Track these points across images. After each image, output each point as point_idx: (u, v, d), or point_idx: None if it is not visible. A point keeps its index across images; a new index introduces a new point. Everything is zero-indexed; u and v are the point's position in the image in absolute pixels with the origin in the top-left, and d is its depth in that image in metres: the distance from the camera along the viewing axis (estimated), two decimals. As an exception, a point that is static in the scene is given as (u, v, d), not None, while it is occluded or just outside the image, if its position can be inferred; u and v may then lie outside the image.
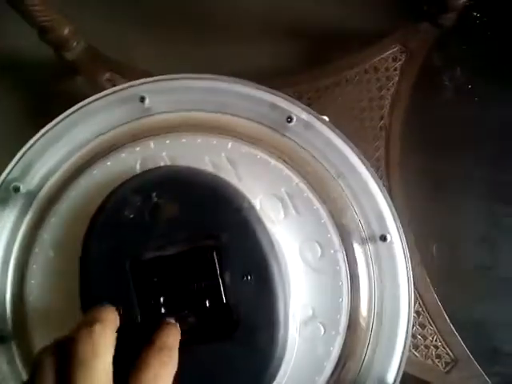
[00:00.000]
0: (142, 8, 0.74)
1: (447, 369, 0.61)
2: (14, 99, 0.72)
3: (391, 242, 0.33)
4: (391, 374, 0.32)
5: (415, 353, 0.61)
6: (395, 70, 0.69)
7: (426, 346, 0.61)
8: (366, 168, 0.34)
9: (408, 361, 0.59)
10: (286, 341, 0.30)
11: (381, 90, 0.68)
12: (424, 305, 0.62)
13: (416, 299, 0.61)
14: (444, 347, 0.61)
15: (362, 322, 0.32)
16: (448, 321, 0.60)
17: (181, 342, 0.30)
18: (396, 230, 0.33)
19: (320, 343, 0.32)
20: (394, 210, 0.33)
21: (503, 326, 0.62)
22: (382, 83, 0.69)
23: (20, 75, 0.74)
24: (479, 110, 0.64)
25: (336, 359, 0.32)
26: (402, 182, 0.61)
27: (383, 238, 0.33)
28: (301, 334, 0.32)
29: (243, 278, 0.30)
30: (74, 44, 0.68)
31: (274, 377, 0.30)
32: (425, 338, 0.61)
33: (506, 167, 0.62)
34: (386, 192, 0.33)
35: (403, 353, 0.33)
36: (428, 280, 0.61)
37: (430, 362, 0.61)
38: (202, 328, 0.30)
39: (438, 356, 0.61)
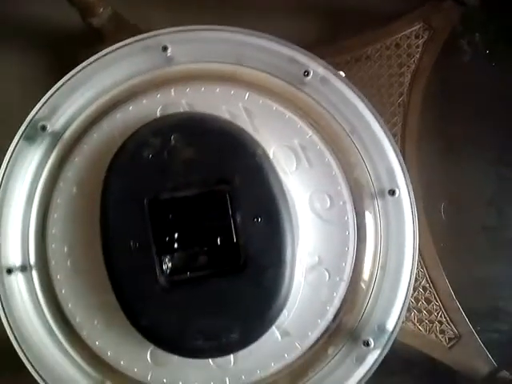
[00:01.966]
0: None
1: (450, 344, 0.61)
2: (43, 65, 0.74)
3: (399, 196, 0.34)
4: (391, 322, 0.33)
5: (419, 327, 0.62)
6: (417, 47, 0.69)
7: (431, 321, 0.62)
8: (379, 124, 0.35)
9: (411, 334, 0.60)
10: (291, 280, 0.31)
11: (401, 66, 0.68)
12: (431, 281, 0.62)
13: (424, 275, 0.62)
14: (448, 323, 0.62)
15: (366, 272, 0.34)
16: (454, 297, 0.61)
17: (192, 277, 0.32)
18: (405, 185, 0.34)
19: (324, 288, 0.33)
20: (404, 166, 0.34)
21: (505, 285, 0.63)
22: (403, 60, 0.68)
23: (49, 42, 0.75)
24: (496, 76, 0.63)
25: (339, 304, 0.33)
26: (418, 157, 0.61)
27: (392, 193, 0.34)
28: (306, 279, 0.33)
29: (254, 219, 0.31)
30: (101, 10, 0.69)
31: (278, 313, 0.31)
32: (430, 313, 0.62)
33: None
34: (397, 148, 0.34)
35: (404, 303, 0.34)
36: (437, 257, 0.61)
37: (433, 336, 0.62)
38: (213, 264, 0.32)
39: (442, 331, 0.61)
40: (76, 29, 0.73)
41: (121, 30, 0.69)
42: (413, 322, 0.61)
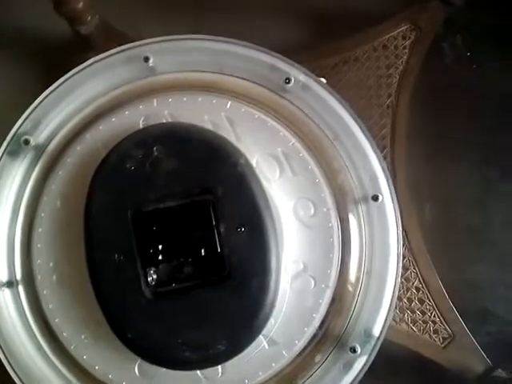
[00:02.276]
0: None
1: (444, 344, 0.62)
2: (30, 72, 0.74)
3: (383, 202, 0.34)
4: (377, 328, 0.34)
5: (413, 327, 0.62)
6: (404, 48, 0.69)
7: (424, 321, 0.62)
8: (362, 130, 0.35)
9: (405, 334, 0.60)
10: (277, 289, 0.31)
11: (389, 68, 0.68)
12: (424, 281, 0.62)
13: (416, 275, 0.62)
14: (442, 323, 0.62)
15: (352, 278, 0.34)
16: (447, 297, 0.61)
17: (178, 288, 0.32)
18: (388, 190, 0.34)
19: (310, 295, 0.33)
20: (387, 171, 0.34)
21: (492, 287, 0.63)
22: (391, 61, 0.68)
23: (36, 50, 0.75)
24: (478, 77, 0.64)
25: (325, 311, 0.33)
26: (407, 158, 0.61)
27: (375, 198, 0.34)
28: (291, 286, 0.33)
29: (237, 229, 0.31)
30: (89, 18, 0.69)
31: (264, 322, 0.31)
32: (423, 313, 0.62)
33: (502, 134, 0.63)
34: (380, 154, 0.34)
35: (389, 309, 0.34)
36: (428, 257, 0.61)
37: (427, 336, 0.62)
38: (198, 275, 0.32)
39: (436, 331, 0.62)
40: (65, 38, 0.73)
41: (109, 37, 0.69)
42: (406, 323, 0.61)
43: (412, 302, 0.61)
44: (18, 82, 0.73)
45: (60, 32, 0.72)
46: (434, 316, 0.62)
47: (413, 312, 0.62)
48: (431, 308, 0.62)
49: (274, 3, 0.73)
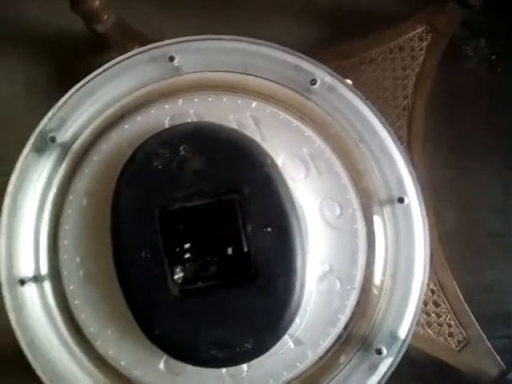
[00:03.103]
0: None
1: (459, 347, 0.61)
2: (45, 70, 0.75)
3: (409, 204, 0.34)
4: (403, 330, 0.33)
5: (428, 330, 0.62)
6: (421, 49, 0.69)
7: (439, 324, 0.62)
8: (388, 132, 0.35)
9: (420, 337, 0.60)
10: (302, 289, 0.31)
11: (405, 69, 0.68)
12: (439, 284, 0.62)
13: (432, 278, 0.62)
14: (457, 326, 0.62)
15: (377, 279, 0.34)
16: (463, 300, 0.61)
17: (204, 287, 0.32)
18: (414, 192, 0.34)
19: (335, 297, 0.33)
20: (413, 173, 0.34)
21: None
22: (407, 63, 0.68)
23: (52, 48, 0.76)
24: (502, 81, 0.63)
25: (350, 313, 0.33)
26: (424, 160, 0.61)
27: (401, 200, 0.34)
28: (317, 287, 0.33)
29: (264, 229, 0.31)
30: (105, 17, 0.69)
31: (290, 322, 0.31)
32: (438, 316, 0.62)
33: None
34: (406, 155, 0.34)
35: (416, 311, 0.34)
36: (444, 260, 0.61)
37: (442, 339, 0.62)
38: (224, 274, 0.32)
39: (451, 334, 0.61)
40: (81, 36, 0.73)
41: (125, 36, 0.69)
42: (421, 326, 0.61)
43: (427, 304, 0.61)
44: (32, 80, 0.74)
45: (76, 30, 0.73)
46: (450, 319, 0.62)
47: (428, 315, 0.61)
48: (446, 311, 0.62)
49: (290, 4, 0.73)
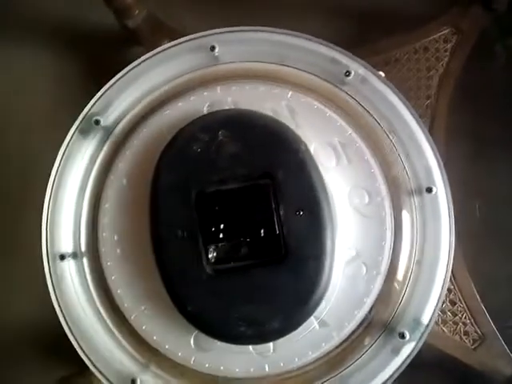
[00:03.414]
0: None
1: (474, 346, 0.62)
2: (73, 63, 0.77)
3: (436, 194, 0.35)
4: (426, 316, 0.34)
5: (443, 328, 0.62)
6: (445, 51, 0.69)
7: (455, 322, 0.62)
8: (417, 123, 0.36)
9: (436, 335, 0.61)
10: (331, 272, 0.32)
11: (429, 70, 0.69)
12: (456, 283, 0.63)
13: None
14: (473, 325, 0.62)
15: (402, 266, 0.35)
16: (479, 299, 0.61)
17: (236, 266, 0.33)
18: (442, 182, 0.35)
19: (361, 281, 0.34)
20: (441, 164, 0.35)
21: None
22: (431, 63, 0.69)
23: (80, 41, 0.78)
24: None
25: (375, 297, 0.34)
26: (446, 158, 0.62)
27: (429, 190, 0.35)
28: (344, 271, 0.34)
29: (296, 212, 0.33)
30: (136, 12, 0.71)
31: (317, 303, 0.32)
32: (454, 314, 0.62)
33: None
34: (435, 147, 0.35)
35: (439, 298, 0.35)
36: (461, 258, 0.62)
37: (457, 337, 0.62)
38: (256, 254, 0.33)
39: (466, 333, 0.62)
40: (112, 30, 0.75)
41: (156, 31, 0.71)
42: (437, 323, 0.61)
43: (443, 303, 0.62)
44: (60, 72, 0.76)
45: (107, 25, 0.74)
46: (465, 318, 0.63)
47: (443, 313, 0.62)
48: (462, 310, 0.63)
49: (315, 2, 0.74)
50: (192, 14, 0.75)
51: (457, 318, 0.62)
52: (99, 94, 0.37)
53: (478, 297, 0.61)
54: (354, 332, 0.34)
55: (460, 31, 0.69)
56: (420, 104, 0.68)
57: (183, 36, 0.71)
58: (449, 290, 0.62)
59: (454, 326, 0.62)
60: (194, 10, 0.76)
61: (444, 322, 0.62)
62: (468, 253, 0.60)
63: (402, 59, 0.69)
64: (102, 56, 0.76)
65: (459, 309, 0.63)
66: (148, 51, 0.68)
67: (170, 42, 0.72)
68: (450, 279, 0.62)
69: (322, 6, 0.74)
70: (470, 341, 0.62)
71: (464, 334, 0.62)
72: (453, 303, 0.63)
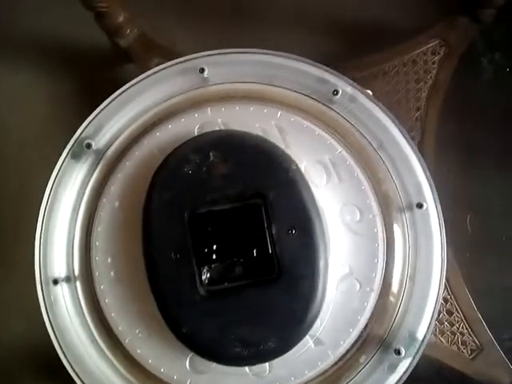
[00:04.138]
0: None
1: (472, 356, 0.62)
2: (72, 85, 0.77)
3: (427, 209, 0.35)
4: (421, 331, 0.35)
5: (441, 338, 0.62)
6: (433, 63, 0.70)
7: (452, 333, 0.62)
8: (406, 139, 0.36)
9: (433, 346, 0.61)
10: (325, 289, 0.32)
11: (418, 82, 0.70)
12: (452, 292, 0.63)
13: (445, 287, 0.63)
14: (470, 334, 0.62)
15: (395, 282, 0.35)
16: (475, 309, 0.61)
17: (230, 287, 0.33)
18: (432, 198, 0.35)
19: (355, 298, 0.34)
20: (431, 179, 0.36)
21: None
22: (420, 76, 0.70)
23: (73, 60, 0.79)
24: None
25: (369, 314, 0.34)
26: (436, 171, 0.62)
27: (419, 206, 0.35)
28: (338, 289, 0.35)
29: (288, 231, 0.33)
30: (128, 31, 0.72)
31: (312, 322, 0.32)
32: (451, 324, 0.63)
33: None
34: (424, 162, 0.36)
35: (433, 313, 0.35)
36: (457, 268, 0.62)
37: (455, 348, 0.62)
38: (249, 274, 0.33)
39: (464, 343, 0.62)
40: (104, 48, 0.76)
41: (147, 49, 0.72)
42: (434, 334, 0.61)
43: (440, 313, 0.62)
44: (54, 90, 0.76)
45: (98, 44, 0.75)
46: (463, 327, 0.63)
47: (441, 323, 0.62)
48: (459, 319, 0.63)
49: (303, 18, 0.75)
50: (182, 29, 0.76)
51: (454, 328, 0.62)
52: (90, 117, 0.37)
53: (474, 306, 0.61)
54: (349, 350, 0.34)
55: (448, 43, 0.70)
56: (410, 116, 0.68)
57: (174, 54, 0.71)
58: (445, 300, 0.63)
59: (452, 337, 0.62)
60: (184, 25, 0.77)
61: (441, 333, 0.62)
62: (462, 263, 0.60)
63: (391, 72, 0.70)
64: (94, 74, 0.77)
65: (456, 318, 0.63)
66: (139, 69, 0.69)
67: (161, 60, 0.73)
68: (447, 289, 0.63)
69: (309, 21, 0.75)
70: (467, 351, 0.62)
71: (462, 344, 0.62)
72: (450, 313, 0.63)
